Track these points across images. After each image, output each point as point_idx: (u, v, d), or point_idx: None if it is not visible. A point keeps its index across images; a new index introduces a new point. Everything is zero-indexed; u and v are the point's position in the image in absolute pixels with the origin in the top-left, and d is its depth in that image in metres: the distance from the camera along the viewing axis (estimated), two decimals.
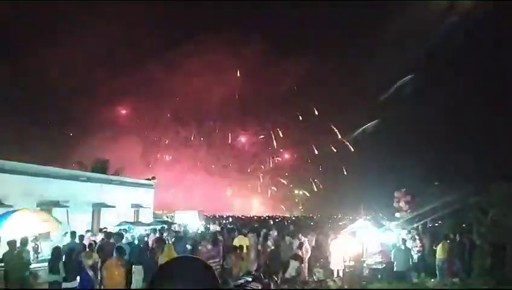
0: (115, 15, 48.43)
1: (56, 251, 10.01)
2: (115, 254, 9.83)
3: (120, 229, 16.04)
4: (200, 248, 12.31)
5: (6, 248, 9.97)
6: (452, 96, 46.08)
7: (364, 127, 60.18)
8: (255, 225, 23.53)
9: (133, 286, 10.43)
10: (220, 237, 14.48)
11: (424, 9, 51.35)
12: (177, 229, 20.49)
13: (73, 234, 12.14)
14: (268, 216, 44.22)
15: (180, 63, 56.85)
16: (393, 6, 50.68)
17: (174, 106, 62.64)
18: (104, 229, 15.08)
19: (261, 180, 67.06)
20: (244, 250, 12.34)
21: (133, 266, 11.46)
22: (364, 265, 14.19)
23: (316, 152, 66.50)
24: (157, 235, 14.82)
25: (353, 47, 59.41)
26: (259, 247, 14.49)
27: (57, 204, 16.75)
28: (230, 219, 35.07)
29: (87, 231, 15.45)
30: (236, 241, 13.23)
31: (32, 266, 10.84)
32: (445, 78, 49.10)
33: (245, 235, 14.33)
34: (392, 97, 56.59)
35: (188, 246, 12.62)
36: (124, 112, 61.93)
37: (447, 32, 48.98)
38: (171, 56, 57.81)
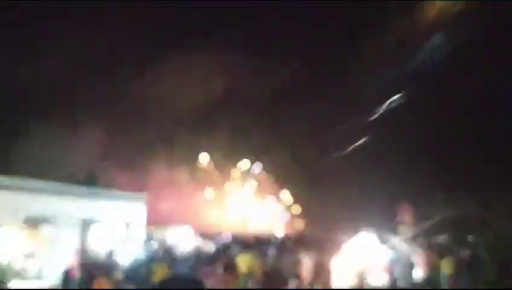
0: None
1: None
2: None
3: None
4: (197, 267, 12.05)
5: None
6: (454, 107, 46.39)
7: (358, 142, 60.27)
8: (254, 242, 22.97)
9: None
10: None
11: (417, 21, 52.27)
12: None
13: None
14: (267, 233, 43.68)
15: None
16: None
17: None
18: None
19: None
20: (246, 268, 11.98)
21: (125, 284, 11.20)
22: (366, 280, 13.85)
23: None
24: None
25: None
26: (258, 264, 14.11)
27: (44, 220, 16.15)
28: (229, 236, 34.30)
29: (77, 248, 14.97)
30: (239, 259, 12.81)
31: None
32: (445, 87, 49.64)
33: (246, 253, 13.98)
34: (391, 107, 57.04)
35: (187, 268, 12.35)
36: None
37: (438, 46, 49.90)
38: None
